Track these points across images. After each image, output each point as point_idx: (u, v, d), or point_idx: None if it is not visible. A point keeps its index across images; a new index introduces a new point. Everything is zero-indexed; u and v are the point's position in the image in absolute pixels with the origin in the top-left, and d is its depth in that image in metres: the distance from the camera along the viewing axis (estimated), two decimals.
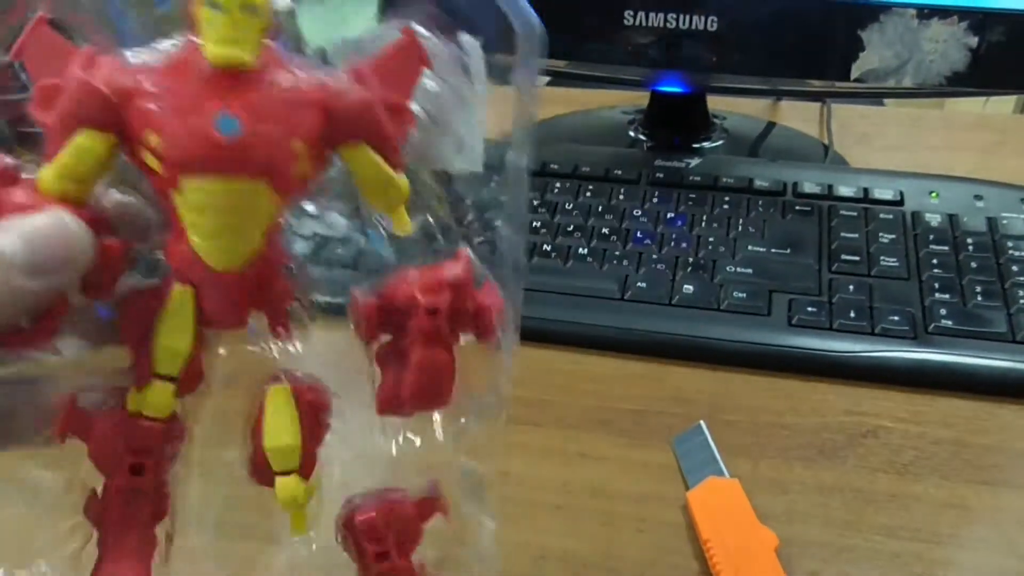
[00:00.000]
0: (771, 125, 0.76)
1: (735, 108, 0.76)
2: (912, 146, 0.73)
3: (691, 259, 0.55)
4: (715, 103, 0.73)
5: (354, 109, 0.24)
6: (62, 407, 0.25)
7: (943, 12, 0.57)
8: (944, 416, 0.47)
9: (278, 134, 0.23)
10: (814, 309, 0.51)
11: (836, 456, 0.45)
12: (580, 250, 0.56)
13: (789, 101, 0.80)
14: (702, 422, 0.46)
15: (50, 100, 0.23)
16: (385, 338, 0.27)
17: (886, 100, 0.89)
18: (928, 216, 0.58)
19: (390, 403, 0.27)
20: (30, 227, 0.22)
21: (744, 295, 0.52)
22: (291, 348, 0.27)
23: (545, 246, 0.56)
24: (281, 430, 0.25)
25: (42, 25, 0.23)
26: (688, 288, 0.53)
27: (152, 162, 0.23)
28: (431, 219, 0.28)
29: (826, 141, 0.73)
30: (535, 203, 0.60)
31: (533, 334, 0.52)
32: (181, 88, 0.23)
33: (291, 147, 0.23)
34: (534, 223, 0.58)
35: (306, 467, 0.26)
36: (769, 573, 0.38)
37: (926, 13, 0.58)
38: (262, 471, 0.26)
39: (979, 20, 0.57)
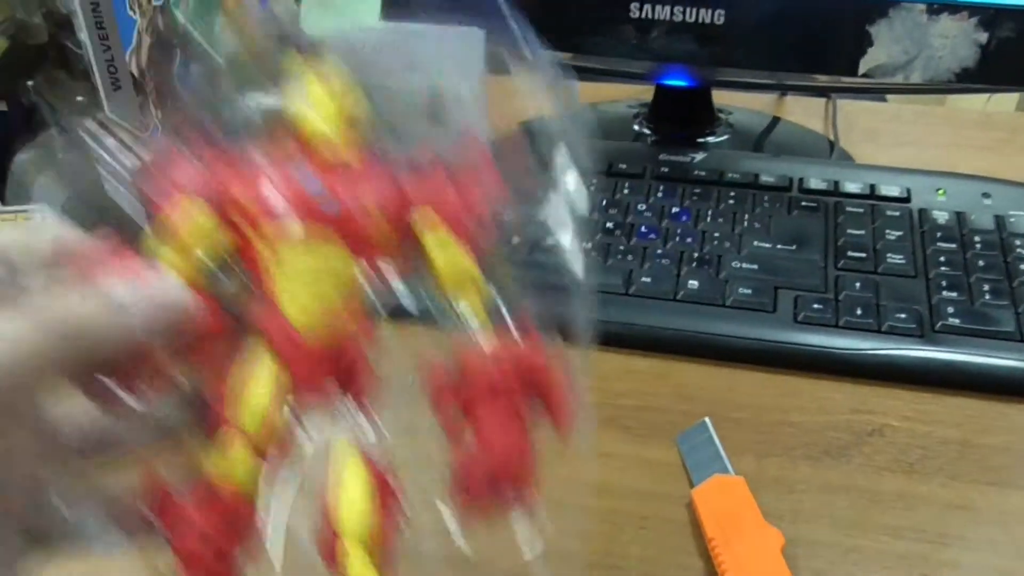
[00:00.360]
0: (776, 120, 0.75)
1: (740, 103, 0.75)
2: (918, 143, 0.73)
3: (696, 254, 0.55)
4: (720, 97, 0.73)
5: (426, 188, 0.26)
6: (145, 480, 0.25)
7: (953, 7, 0.57)
8: (951, 415, 0.47)
9: (359, 198, 0.25)
10: (820, 306, 0.51)
11: (842, 455, 0.45)
12: (584, 244, 0.55)
13: (794, 96, 0.79)
14: (707, 419, 0.45)
15: (168, 187, 0.25)
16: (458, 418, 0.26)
17: (888, 96, 0.88)
18: (935, 213, 0.57)
19: (463, 482, 0.25)
20: (132, 274, 0.25)
21: (749, 291, 0.52)
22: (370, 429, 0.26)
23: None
24: (350, 486, 0.24)
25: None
26: (693, 284, 0.52)
27: (249, 232, 0.25)
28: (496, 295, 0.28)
29: (832, 137, 0.72)
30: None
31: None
32: (281, 167, 0.25)
33: (370, 211, 0.25)
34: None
35: (381, 549, 0.24)
36: (775, 573, 0.38)
37: (935, 8, 0.57)
38: (330, 547, 0.24)
39: (989, 16, 0.56)
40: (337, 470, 0.24)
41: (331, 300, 0.25)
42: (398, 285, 0.26)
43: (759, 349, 0.50)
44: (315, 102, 0.26)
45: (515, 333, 0.26)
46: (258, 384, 0.24)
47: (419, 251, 0.26)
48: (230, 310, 0.25)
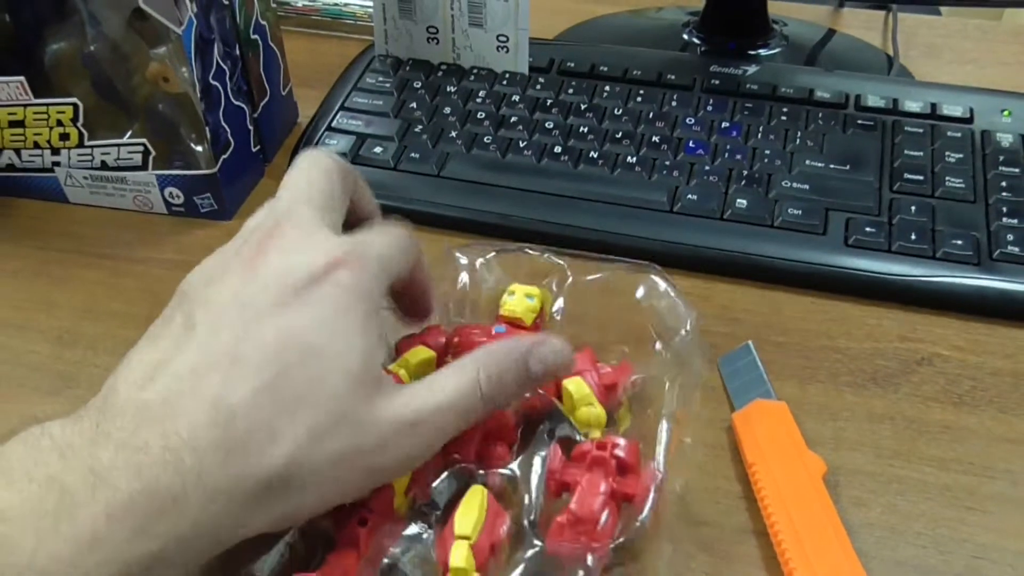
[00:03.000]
0: (831, 32, 0.72)
1: (795, 14, 0.72)
2: (982, 60, 0.69)
3: (745, 172, 0.53)
4: (775, 7, 0.69)
5: (576, 358, 0.38)
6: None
7: None
8: (1004, 346, 0.45)
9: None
10: (872, 229, 0.49)
11: (889, 383, 0.44)
12: (629, 158, 0.54)
13: (852, 8, 0.75)
14: (750, 342, 0.44)
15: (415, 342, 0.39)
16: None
17: (944, 10, 0.84)
18: (999, 136, 0.54)
19: (556, 526, 0.33)
20: None
21: (799, 212, 0.50)
22: None
23: (592, 153, 0.54)
24: (469, 505, 0.33)
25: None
26: (741, 202, 0.51)
27: (451, 358, 0.38)
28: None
29: (890, 52, 0.69)
30: (583, 107, 0.57)
31: (576, 244, 0.50)
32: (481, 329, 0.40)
33: None
34: (581, 128, 0.56)
35: (481, 548, 0.32)
36: (815, 501, 0.37)
37: None
38: (446, 548, 0.32)
39: None
40: (467, 498, 0.33)
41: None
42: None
43: (807, 272, 0.48)
44: (514, 301, 0.41)
45: (619, 443, 0.35)
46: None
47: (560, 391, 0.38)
48: None
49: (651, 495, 0.34)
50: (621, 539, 0.33)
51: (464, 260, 0.44)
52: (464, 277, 0.43)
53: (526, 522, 0.34)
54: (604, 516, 0.33)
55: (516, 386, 0.34)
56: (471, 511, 0.32)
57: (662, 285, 0.42)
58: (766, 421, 0.40)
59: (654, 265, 0.42)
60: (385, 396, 0.30)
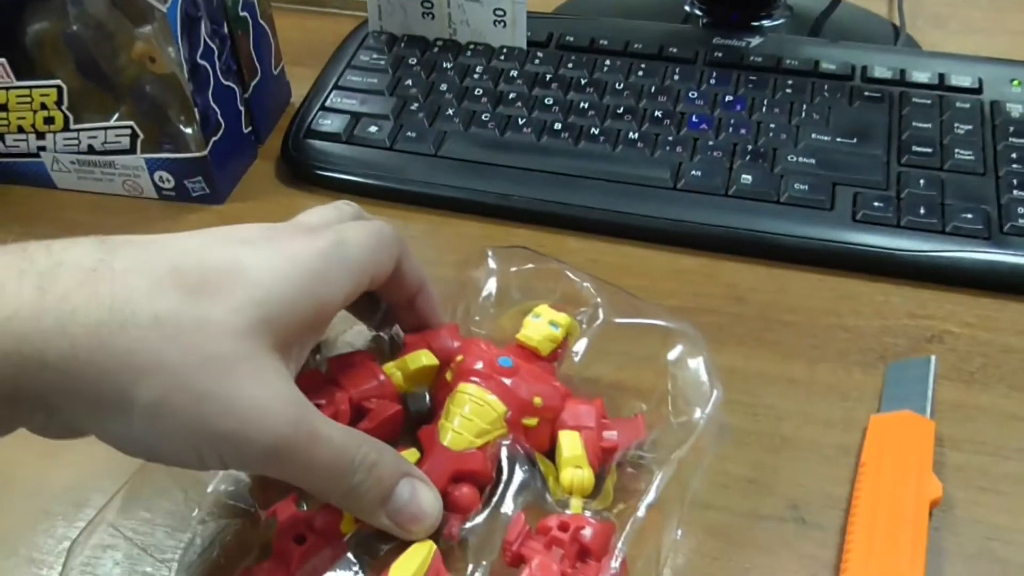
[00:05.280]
0: (836, 2, 0.70)
1: None
2: (990, 29, 0.68)
3: (750, 147, 0.51)
4: None
5: (583, 410, 0.36)
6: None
7: None
8: (1016, 322, 0.44)
9: (531, 383, 0.36)
10: (881, 204, 0.48)
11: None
12: (630, 134, 0.52)
13: None
14: (933, 357, 0.41)
15: (421, 342, 0.37)
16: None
17: None
18: (1009, 106, 0.53)
19: None
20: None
21: (806, 187, 0.49)
22: None
23: (593, 129, 0.53)
24: (411, 556, 0.31)
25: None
26: (746, 178, 0.49)
27: (450, 375, 0.36)
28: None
29: (896, 22, 0.67)
30: (583, 82, 0.56)
31: (578, 223, 0.50)
32: (493, 351, 0.37)
33: (532, 398, 0.35)
34: (581, 104, 0.54)
35: None
36: (910, 521, 0.34)
37: None
38: None
39: None
40: (412, 550, 0.31)
41: (475, 428, 0.34)
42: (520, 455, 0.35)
43: (814, 249, 0.47)
44: (537, 325, 0.38)
45: (591, 521, 0.33)
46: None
47: (553, 443, 0.36)
48: (410, 411, 0.37)
49: None
50: None
51: (494, 265, 0.41)
52: (492, 284, 0.41)
53: None
54: None
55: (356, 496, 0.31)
56: (409, 565, 0.30)
57: (695, 352, 0.38)
58: (902, 432, 0.38)
59: (691, 326, 0.39)
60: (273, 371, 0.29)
